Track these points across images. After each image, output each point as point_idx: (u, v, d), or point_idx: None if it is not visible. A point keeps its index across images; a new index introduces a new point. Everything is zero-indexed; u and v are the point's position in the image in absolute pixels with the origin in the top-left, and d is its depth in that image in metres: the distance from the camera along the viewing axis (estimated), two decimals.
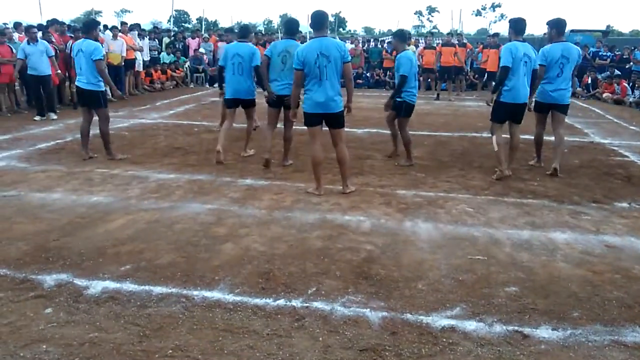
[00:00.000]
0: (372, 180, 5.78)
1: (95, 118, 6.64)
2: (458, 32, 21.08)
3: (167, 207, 4.75)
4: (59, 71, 10.01)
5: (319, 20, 4.91)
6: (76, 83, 6.67)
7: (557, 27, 6.13)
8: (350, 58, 4.98)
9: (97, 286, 3.25)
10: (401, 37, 6.53)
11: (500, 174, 5.81)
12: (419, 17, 72.66)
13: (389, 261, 3.67)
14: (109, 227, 4.23)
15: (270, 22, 78.41)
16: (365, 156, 6.91)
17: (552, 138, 6.26)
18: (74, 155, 6.72)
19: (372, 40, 20.91)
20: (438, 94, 14.22)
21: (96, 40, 6.58)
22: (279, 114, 6.21)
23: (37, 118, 9.47)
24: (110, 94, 7.86)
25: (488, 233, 4.25)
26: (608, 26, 40.31)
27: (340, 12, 76.35)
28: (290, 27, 6.37)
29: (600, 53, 16.00)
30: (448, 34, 21.33)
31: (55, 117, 9.69)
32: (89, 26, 6.71)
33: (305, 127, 5.18)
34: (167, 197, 5.04)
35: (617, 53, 16.10)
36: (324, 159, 5.29)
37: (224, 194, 5.18)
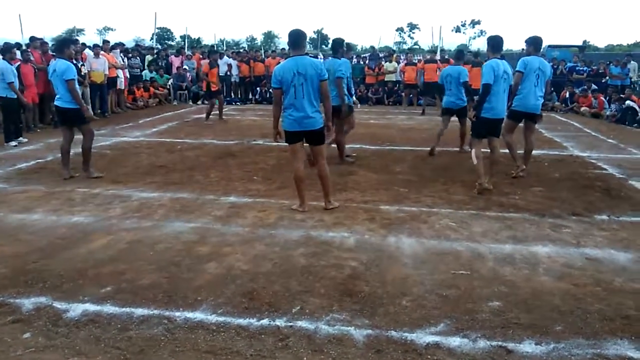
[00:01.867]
0: (356, 195, 5.79)
1: (78, 137, 6.57)
2: (439, 48, 21.39)
3: (149, 227, 4.70)
4: (20, 96, 8.92)
5: (296, 39, 4.94)
6: (55, 102, 6.60)
7: (534, 44, 6.62)
8: (327, 76, 5.01)
9: (76, 309, 3.19)
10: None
11: (481, 187, 5.89)
12: (399, 33, 73.75)
13: (373, 277, 3.67)
14: (90, 248, 4.17)
15: (254, 39, 78.90)
16: (348, 172, 6.93)
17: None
18: (55, 174, 6.63)
19: (354, 56, 21.10)
20: (423, 110, 14.36)
21: (70, 59, 6.56)
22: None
23: (12, 143, 8.80)
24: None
25: (471, 247, 4.27)
26: (584, 41, 41.38)
27: (322, 29, 77.10)
28: (333, 45, 7.58)
29: (577, 68, 16.36)
30: (429, 51, 21.66)
31: (24, 140, 9.02)
32: (61, 45, 6.66)
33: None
34: (149, 216, 4.99)
35: (593, 68, 16.49)
36: (306, 176, 5.26)
37: (207, 212, 5.14)
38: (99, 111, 12.44)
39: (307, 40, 5.04)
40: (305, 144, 5.19)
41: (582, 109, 13.96)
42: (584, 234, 4.63)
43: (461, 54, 8.79)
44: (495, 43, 6.05)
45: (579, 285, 3.59)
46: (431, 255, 4.10)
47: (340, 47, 7.39)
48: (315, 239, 4.42)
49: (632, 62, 15.86)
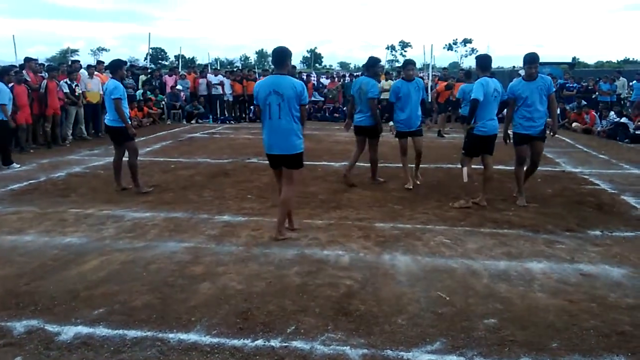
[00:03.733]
0: (350, 213, 5.79)
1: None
2: (433, 66, 21.61)
3: (142, 247, 4.67)
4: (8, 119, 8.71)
5: (279, 57, 4.72)
6: (105, 121, 7.04)
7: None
8: (307, 101, 4.85)
9: (69, 332, 3.15)
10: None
11: (465, 204, 5.98)
12: (391, 51, 74.56)
13: (368, 296, 3.65)
14: (82, 269, 4.13)
15: (247, 58, 79.46)
16: (342, 189, 6.95)
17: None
18: (47, 195, 6.60)
19: (347, 74, 21.28)
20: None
21: (121, 79, 6.83)
22: (364, 141, 7.23)
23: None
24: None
25: (465, 264, 4.27)
26: (574, 58, 41.91)
27: (316, 48, 77.89)
28: (369, 63, 7.35)
29: (567, 84, 16.58)
30: (420, 68, 21.87)
31: (17, 166, 8.48)
32: (114, 66, 6.98)
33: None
34: (142, 237, 4.96)
35: (583, 84, 16.72)
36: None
37: (201, 232, 5.12)
38: (92, 131, 12.44)
39: (291, 58, 4.88)
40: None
41: (574, 124, 14.10)
42: (578, 250, 4.64)
43: (469, 73, 9.08)
44: (483, 62, 6.17)
45: (574, 302, 3.59)
46: (426, 273, 4.09)
47: (374, 66, 7.28)
48: (309, 257, 4.41)
49: (621, 78, 16.09)
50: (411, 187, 6.93)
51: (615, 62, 60.68)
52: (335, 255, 4.45)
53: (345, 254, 4.50)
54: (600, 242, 4.86)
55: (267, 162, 5.06)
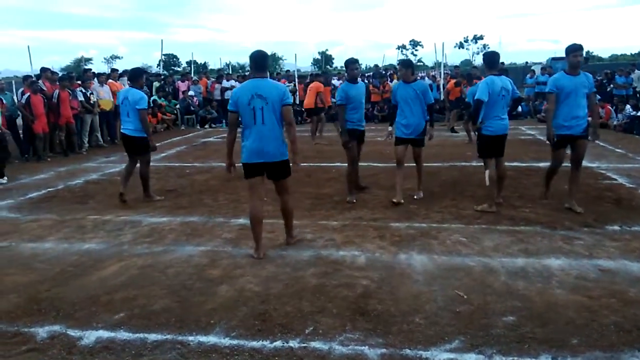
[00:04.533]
0: (365, 213, 5.79)
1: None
2: (443, 64, 21.51)
3: (160, 251, 4.73)
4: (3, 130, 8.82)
5: (258, 60, 4.43)
6: (121, 130, 6.78)
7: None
8: (291, 100, 4.45)
9: (90, 336, 3.20)
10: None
11: (488, 209, 5.72)
12: (401, 51, 74.26)
13: (385, 296, 3.66)
14: (102, 275, 4.19)
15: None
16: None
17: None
18: (66, 202, 6.71)
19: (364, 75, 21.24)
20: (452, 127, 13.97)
21: (141, 88, 6.72)
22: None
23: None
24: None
25: (483, 262, 4.25)
26: (587, 52, 41.37)
27: (327, 50, 77.99)
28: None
29: None
30: (432, 67, 21.78)
31: (3, 181, 8.15)
32: (135, 75, 6.82)
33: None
34: (159, 241, 5.02)
35: (597, 78, 16.48)
36: (264, 216, 4.65)
37: (217, 235, 5.17)
38: (108, 138, 12.60)
39: (270, 60, 4.72)
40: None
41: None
42: (596, 245, 4.59)
43: (470, 76, 8.49)
44: (490, 60, 5.92)
45: (593, 298, 3.56)
46: (443, 271, 4.08)
47: (347, 67, 6.50)
48: (325, 258, 4.42)
49: (636, 71, 15.85)
50: (397, 201, 6.11)
51: (630, 54, 59.80)
52: (352, 256, 4.46)
53: (361, 254, 4.51)
54: (619, 237, 4.80)
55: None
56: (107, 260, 4.53)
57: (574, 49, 5.52)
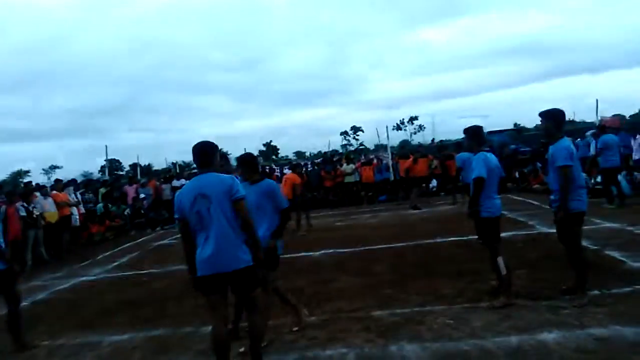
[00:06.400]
0: (344, 304, 5.53)
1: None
2: (386, 146, 22.30)
3: None
4: None
5: (200, 154, 3.85)
6: None
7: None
8: (242, 194, 3.71)
9: None
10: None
11: (506, 301, 4.94)
12: (344, 137, 77.28)
13: None
14: None
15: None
16: (328, 280, 6.70)
17: None
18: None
19: (309, 163, 21.59)
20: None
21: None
22: None
23: None
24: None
25: (477, 345, 4.06)
26: (516, 124, 44.45)
27: (271, 141, 79.66)
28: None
29: (520, 149, 17.36)
30: (374, 150, 22.54)
31: None
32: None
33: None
34: None
35: (533, 148, 17.53)
36: (229, 341, 3.87)
37: (188, 347, 4.74)
38: (52, 253, 11.84)
39: (217, 151, 3.95)
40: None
41: (535, 186, 14.57)
42: (584, 313, 4.52)
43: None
44: (477, 134, 5.37)
45: None
46: None
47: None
48: None
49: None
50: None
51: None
52: (340, 355, 4.16)
53: (349, 350, 4.22)
54: (603, 302, 4.76)
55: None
56: None
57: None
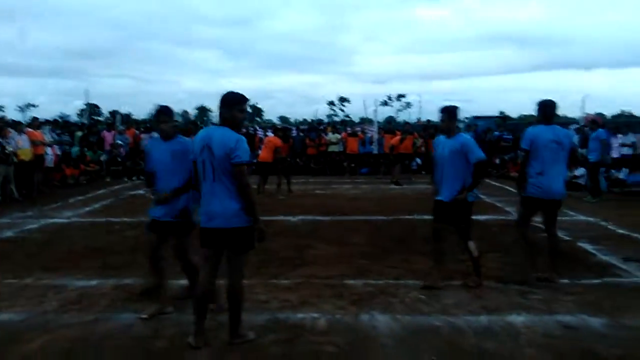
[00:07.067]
0: (318, 270, 5.51)
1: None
2: (373, 120, 22.19)
3: (92, 321, 4.16)
4: None
5: (224, 102, 3.66)
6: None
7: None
8: (241, 159, 3.50)
9: None
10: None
11: (479, 282, 5.06)
12: (330, 107, 76.64)
13: None
14: (25, 351, 3.58)
15: (186, 113, 78.78)
16: (304, 245, 6.67)
17: None
18: None
19: (294, 129, 21.36)
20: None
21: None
22: None
23: None
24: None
25: (448, 322, 4.09)
26: (501, 112, 44.67)
27: (257, 102, 78.53)
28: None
29: (504, 136, 17.44)
30: (359, 122, 22.45)
31: None
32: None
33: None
34: (91, 309, 4.44)
35: (516, 136, 17.64)
36: (211, 293, 3.87)
37: (158, 297, 4.65)
38: (24, 192, 11.55)
39: (240, 103, 3.70)
40: None
41: (512, 173, 14.71)
42: (553, 300, 4.59)
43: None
44: (456, 114, 5.27)
45: (565, 356, 3.48)
46: (410, 334, 3.86)
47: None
48: (284, 322, 4.07)
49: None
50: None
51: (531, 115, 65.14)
52: (311, 319, 4.14)
53: (320, 316, 4.20)
54: (572, 290, 4.85)
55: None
56: (30, 332, 3.89)
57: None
